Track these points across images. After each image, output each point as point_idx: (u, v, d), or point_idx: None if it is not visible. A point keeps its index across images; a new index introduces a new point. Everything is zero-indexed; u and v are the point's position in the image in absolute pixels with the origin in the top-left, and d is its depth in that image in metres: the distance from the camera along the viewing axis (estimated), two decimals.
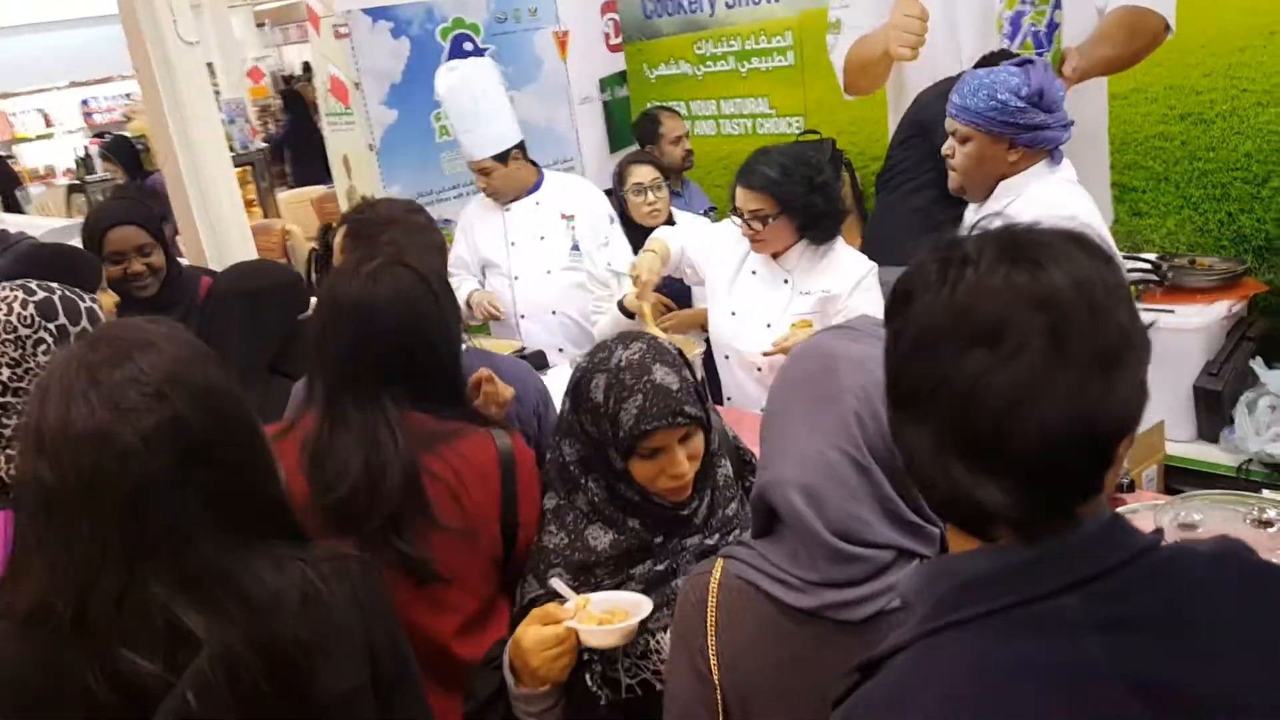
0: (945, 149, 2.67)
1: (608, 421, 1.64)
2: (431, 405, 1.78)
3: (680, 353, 1.72)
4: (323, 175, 7.32)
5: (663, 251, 3.16)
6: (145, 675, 1.12)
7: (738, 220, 2.90)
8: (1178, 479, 2.89)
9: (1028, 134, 2.55)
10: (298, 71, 12.01)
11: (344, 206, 5.49)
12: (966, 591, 0.92)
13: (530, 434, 2.04)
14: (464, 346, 1.94)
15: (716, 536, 1.75)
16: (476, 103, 3.63)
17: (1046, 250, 0.90)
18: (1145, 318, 0.93)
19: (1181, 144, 3.66)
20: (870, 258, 3.63)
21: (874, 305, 2.78)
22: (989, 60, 3.31)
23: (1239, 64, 3.46)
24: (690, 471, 1.67)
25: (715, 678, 1.35)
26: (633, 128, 4.36)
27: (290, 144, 9.29)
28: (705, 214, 4.25)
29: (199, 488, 1.19)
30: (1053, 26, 3.85)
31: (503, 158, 3.63)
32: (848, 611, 1.27)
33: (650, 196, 3.80)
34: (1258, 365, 3.21)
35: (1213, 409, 3.23)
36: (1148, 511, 2.04)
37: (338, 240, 2.40)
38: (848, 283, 2.88)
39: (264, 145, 9.05)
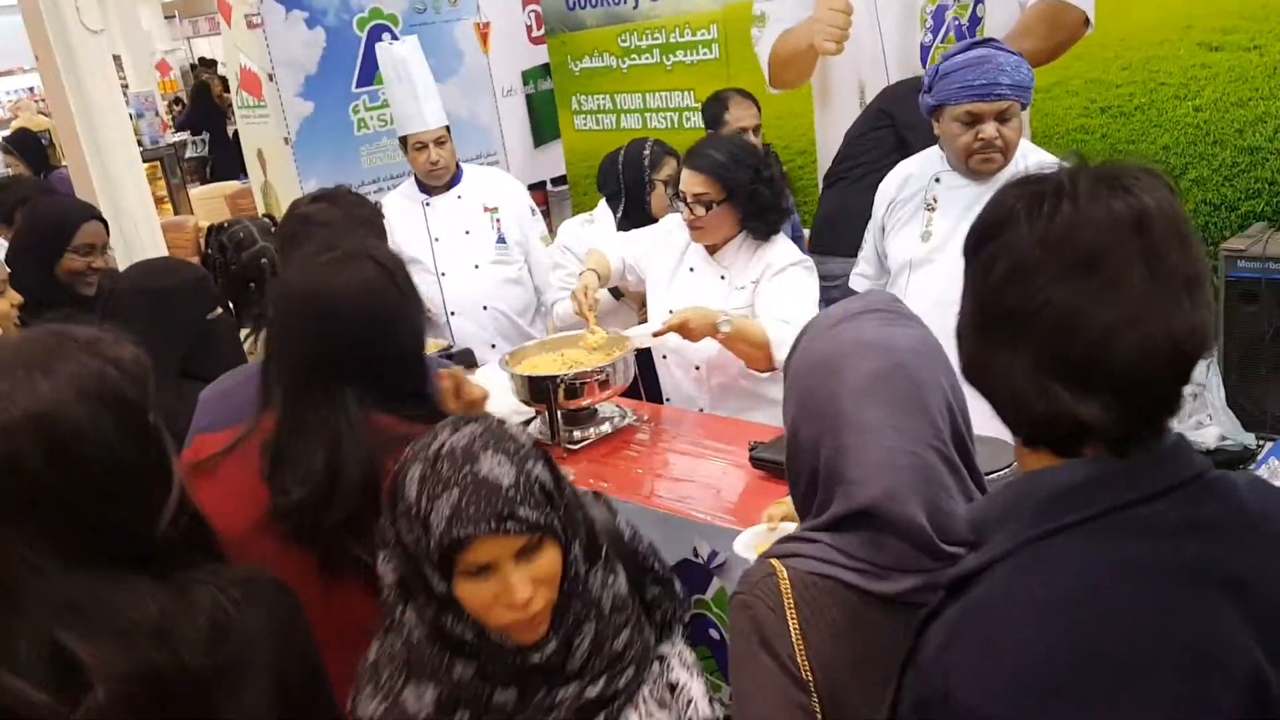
0: (987, 133, 2.50)
1: (420, 526, 1.25)
2: (396, 403, 1.69)
3: (536, 444, 1.33)
4: (235, 170, 7.14)
5: (603, 269, 3.11)
6: (36, 705, 1.03)
7: (681, 205, 2.84)
8: None
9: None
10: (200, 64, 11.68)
11: (259, 201, 5.34)
12: (1060, 501, 0.96)
13: None
14: None
15: (603, 681, 1.33)
16: (426, 74, 3.67)
17: (1135, 179, 0.95)
18: None
19: (1102, 137, 3.72)
20: (824, 247, 3.60)
21: (790, 291, 2.76)
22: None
23: (1156, 58, 3.52)
24: (538, 601, 1.26)
25: (811, 681, 1.29)
26: (702, 109, 4.19)
27: (196, 132, 9.05)
28: None
29: (41, 525, 1.08)
30: (975, 20, 3.88)
31: (448, 129, 3.67)
32: (929, 595, 1.21)
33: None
34: None
35: None
36: None
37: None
38: (774, 268, 2.83)
39: (174, 141, 8.80)
